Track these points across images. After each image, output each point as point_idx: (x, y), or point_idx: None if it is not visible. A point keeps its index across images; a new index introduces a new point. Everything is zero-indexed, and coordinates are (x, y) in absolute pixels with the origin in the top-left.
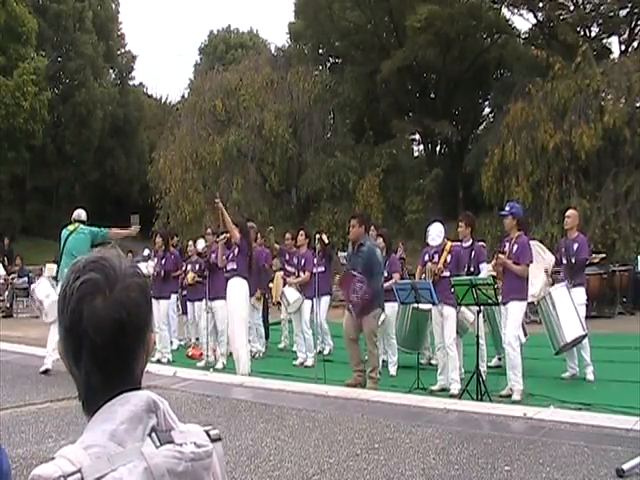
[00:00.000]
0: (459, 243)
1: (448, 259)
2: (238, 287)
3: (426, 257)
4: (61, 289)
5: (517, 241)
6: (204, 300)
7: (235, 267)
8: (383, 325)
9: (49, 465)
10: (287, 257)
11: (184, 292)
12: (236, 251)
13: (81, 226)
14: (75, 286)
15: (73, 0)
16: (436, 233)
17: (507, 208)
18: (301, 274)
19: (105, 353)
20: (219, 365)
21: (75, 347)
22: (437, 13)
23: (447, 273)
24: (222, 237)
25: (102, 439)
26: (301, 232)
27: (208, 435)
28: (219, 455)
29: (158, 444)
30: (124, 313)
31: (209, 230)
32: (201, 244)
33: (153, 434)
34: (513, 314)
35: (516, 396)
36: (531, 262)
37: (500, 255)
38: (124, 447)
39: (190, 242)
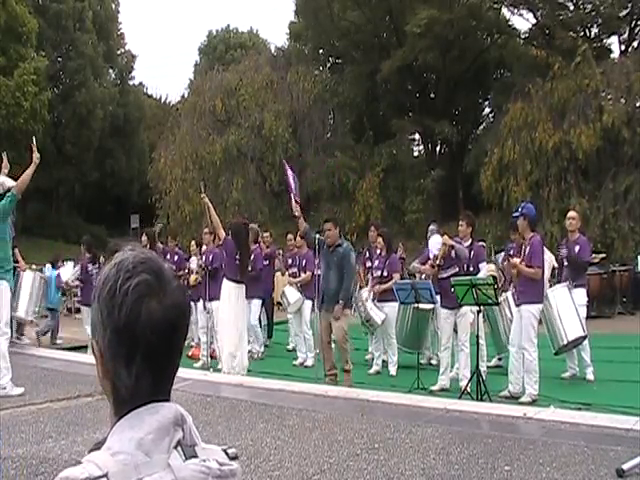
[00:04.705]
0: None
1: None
2: (223, 289)
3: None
4: (105, 288)
5: (530, 242)
6: (201, 301)
7: (222, 268)
8: (383, 325)
9: (77, 468)
10: (289, 261)
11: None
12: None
13: None
14: (129, 287)
15: (73, 0)
16: (435, 247)
17: (519, 210)
18: (302, 274)
19: (159, 354)
20: (221, 365)
21: (128, 349)
22: (436, 18)
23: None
24: (218, 239)
25: (129, 447)
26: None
27: (227, 454)
28: (238, 472)
29: (184, 458)
30: (178, 314)
31: (206, 230)
32: (194, 263)
33: (179, 447)
34: (527, 319)
35: (526, 398)
36: (542, 265)
37: (514, 259)
38: (150, 457)
39: (193, 242)
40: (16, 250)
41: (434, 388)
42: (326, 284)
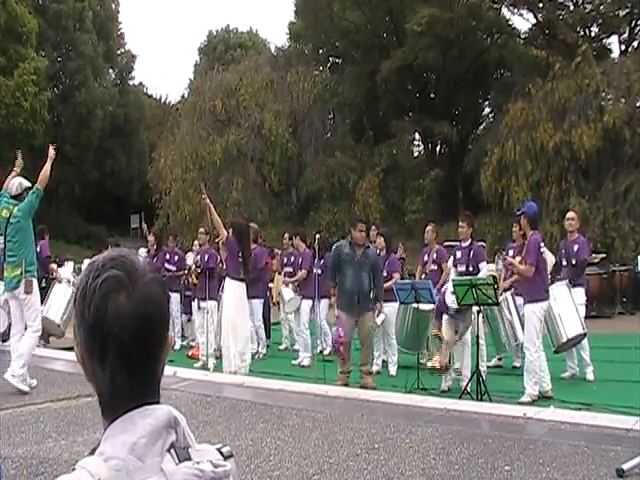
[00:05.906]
0: (458, 243)
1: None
2: (227, 288)
3: (425, 257)
4: (78, 290)
5: (528, 240)
6: (196, 300)
7: (226, 267)
8: (383, 325)
9: (70, 475)
10: (284, 260)
11: (187, 292)
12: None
13: (14, 211)
14: (96, 284)
15: (73, 0)
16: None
17: (521, 208)
18: (298, 272)
19: (132, 350)
20: (210, 365)
21: (100, 347)
22: (437, 17)
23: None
24: (220, 238)
25: (122, 452)
26: (296, 236)
27: (221, 453)
28: (232, 471)
29: (177, 461)
30: (149, 308)
31: (202, 230)
32: (190, 259)
33: (172, 450)
34: (530, 319)
35: (526, 398)
36: (535, 262)
37: (507, 257)
38: (143, 461)
39: (195, 242)
40: (53, 265)
41: (442, 389)
42: (359, 286)
